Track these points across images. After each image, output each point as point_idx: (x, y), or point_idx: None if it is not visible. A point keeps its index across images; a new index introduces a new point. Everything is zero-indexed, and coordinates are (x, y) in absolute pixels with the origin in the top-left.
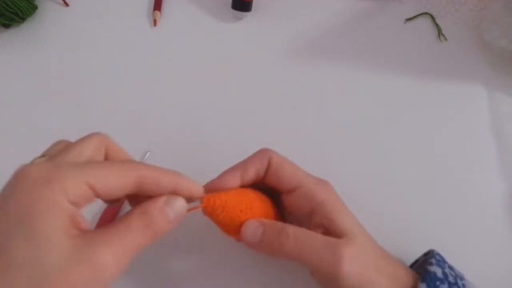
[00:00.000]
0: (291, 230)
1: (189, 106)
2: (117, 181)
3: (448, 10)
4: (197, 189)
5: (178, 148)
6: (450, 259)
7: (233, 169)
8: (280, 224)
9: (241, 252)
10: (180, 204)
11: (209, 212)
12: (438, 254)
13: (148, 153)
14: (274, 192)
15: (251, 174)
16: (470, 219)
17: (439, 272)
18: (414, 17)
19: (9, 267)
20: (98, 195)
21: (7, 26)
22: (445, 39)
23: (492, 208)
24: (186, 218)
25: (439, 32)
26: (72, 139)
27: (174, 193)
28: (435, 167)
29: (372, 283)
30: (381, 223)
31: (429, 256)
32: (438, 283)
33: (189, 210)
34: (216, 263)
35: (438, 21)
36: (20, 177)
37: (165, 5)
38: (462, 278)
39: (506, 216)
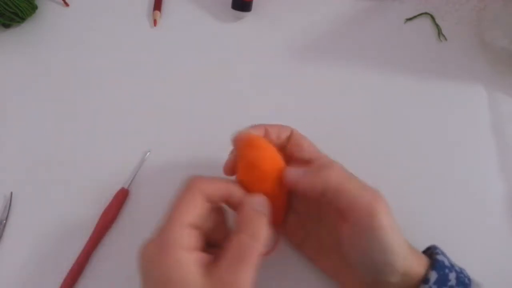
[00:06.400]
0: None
1: (189, 106)
2: (201, 210)
3: (448, 10)
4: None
5: (178, 148)
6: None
7: (258, 125)
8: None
9: None
10: (259, 199)
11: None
12: (440, 248)
13: (148, 153)
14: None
15: (273, 133)
16: (470, 219)
17: (446, 261)
18: (414, 17)
19: None
20: (196, 225)
21: (7, 26)
22: (445, 39)
23: (492, 208)
24: None
25: (439, 32)
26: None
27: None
28: (435, 167)
29: (398, 233)
30: None
31: (433, 248)
32: (447, 271)
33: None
34: None
35: (438, 21)
36: (143, 256)
37: (165, 5)
38: (464, 270)
39: (506, 216)
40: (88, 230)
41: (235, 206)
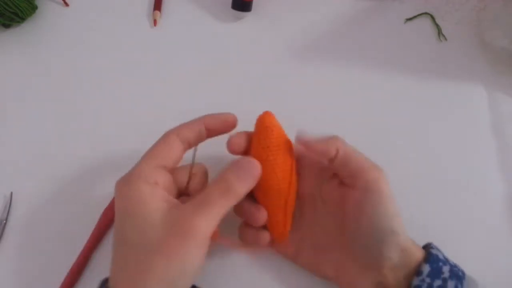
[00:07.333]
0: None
1: (189, 106)
2: (174, 152)
3: (448, 10)
4: (227, 116)
5: None
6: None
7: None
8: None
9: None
10: (249, 164)
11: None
12: (434, 245)
13: None
14: None
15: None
16: (470, 219)
17: (440, 255)
18: (414, 17)
19: (125, 243)
20: (167, 169)
21: (7, 26)
22: (445, 39)
23: (492, 208)
24: None
25: (439, 32)
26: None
27: (208, 130)
28: (435, 167)
29: (398, 213)
30: None
31: (428, 245)
32: (440, 264)
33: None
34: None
35: (438, 21)
36: (115, 188)
37: (165, 5)
38: (458, 265)
39: (506, 216)
40: (88, 230)
41: (212, 132)
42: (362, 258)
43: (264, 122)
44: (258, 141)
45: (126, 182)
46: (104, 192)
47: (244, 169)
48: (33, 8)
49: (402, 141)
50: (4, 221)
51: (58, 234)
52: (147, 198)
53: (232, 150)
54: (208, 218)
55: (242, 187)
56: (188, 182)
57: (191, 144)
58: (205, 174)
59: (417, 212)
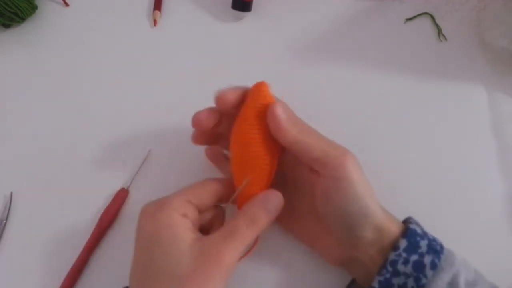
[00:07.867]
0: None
1: (189, 106)
2: (207, 195)
3: (448, 10)
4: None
5: (178, 148)
6: None
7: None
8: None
9: None
10: (276, 198)
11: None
12: (414, 219)
13: (148, 153)
14: None
15: None
16: (470, 219)
17: (418, 230)
18: (414, 17)
19: (151, 268)
20: (196, 207)
21: (7, 26)
22: (445, 39)
23: (492, 208)
24: None
25: (439, 32)
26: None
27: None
28: (435, 168)
29: (369, 188)
30: None
31: (407, 219)
32: (418, 238)
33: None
34: None
35: (438, 21)
36: (142, 212)
37: (165, 5)
38: (438, 239)
39: (506, 216)
40: (88, 230)
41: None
42: (335, 234)
43: (259, 87)
44: (253, 102)
45: (157, 208)
46: (104, 192)
47: (272, 203)
48: (33, 8)
49: (402, 141)
50: (4, 221)
51: (58, 234)
52: (179, 226)
53: (220, 105)
54: (235, 247)
55: (268, 220)
56: (211, 224)
57: (220, 199)
58: (224, 217)
59: (417, 212)
